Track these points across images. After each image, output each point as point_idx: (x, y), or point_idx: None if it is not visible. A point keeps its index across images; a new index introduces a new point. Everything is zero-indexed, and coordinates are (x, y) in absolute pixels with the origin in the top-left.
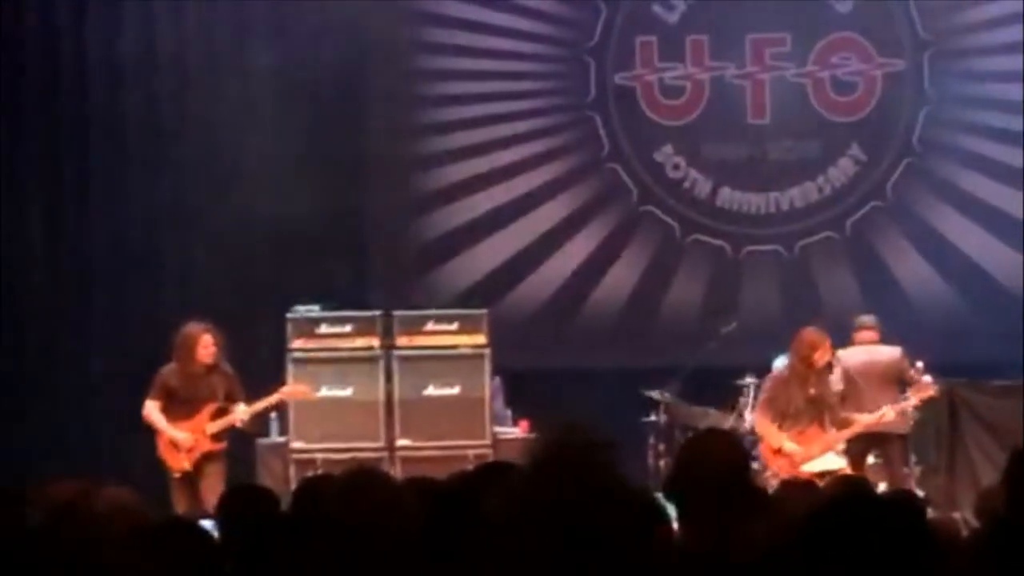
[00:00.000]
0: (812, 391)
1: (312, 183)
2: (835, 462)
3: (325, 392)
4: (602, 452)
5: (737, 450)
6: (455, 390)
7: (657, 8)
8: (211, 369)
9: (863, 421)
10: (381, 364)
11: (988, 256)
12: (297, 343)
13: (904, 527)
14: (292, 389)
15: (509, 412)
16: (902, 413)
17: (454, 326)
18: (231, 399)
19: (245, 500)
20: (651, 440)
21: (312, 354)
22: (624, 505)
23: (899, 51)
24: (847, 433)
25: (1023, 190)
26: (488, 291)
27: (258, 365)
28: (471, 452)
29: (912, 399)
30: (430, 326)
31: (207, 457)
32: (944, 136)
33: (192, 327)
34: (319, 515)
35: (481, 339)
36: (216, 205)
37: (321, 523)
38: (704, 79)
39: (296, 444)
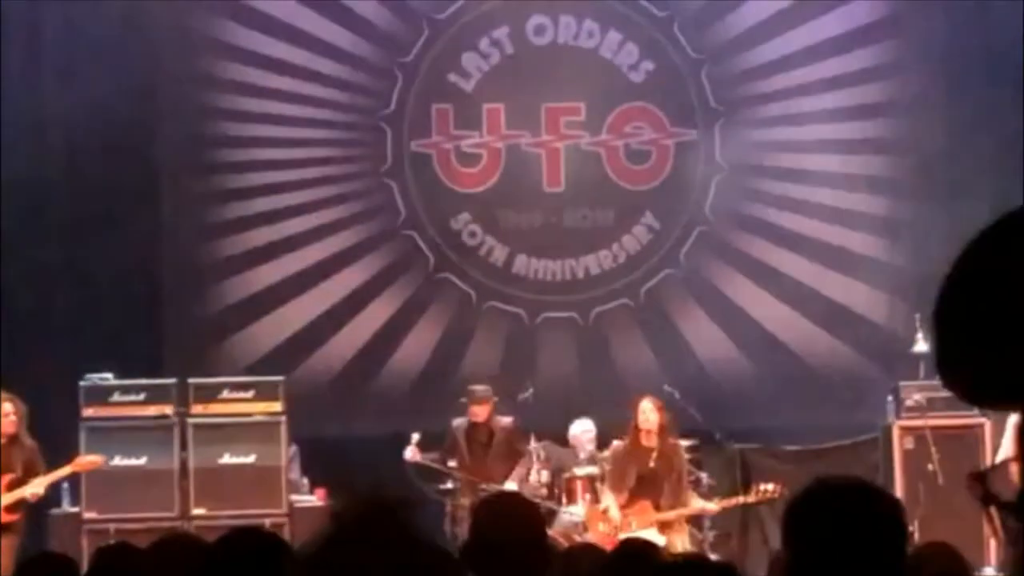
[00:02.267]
0: (651, 464)
1: (107, 248)
2: (655, 538)
3: (118, 461)
4: (405, 511)
5: (530, 511)
6: (251, 458)
7: (453, 76)
8: (11, 440)
9: (693, 509)
10: (176, 432)
11: (777, 322)
12: (89, 411)
13: None
14: (84, 460)
15: (306, 480)
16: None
17: (250, 394)
18: (29, 471)
19: (43, 569)
20: (447, 506)
21: (105, 423)
22: (430, 564)
23: (691, 121)
24: (670, 516)
25: (809, 258)
26: (285, 358)
27: (50, 433)
28: (268, 520)
29: (752, 498)
30: (225, 394)
31: (3, 529)
32: (735, 204)
33: None
34: None
35: (277, 407)
36: (10, 267)
37: None
38: (500, 147)
39: (89, 514)
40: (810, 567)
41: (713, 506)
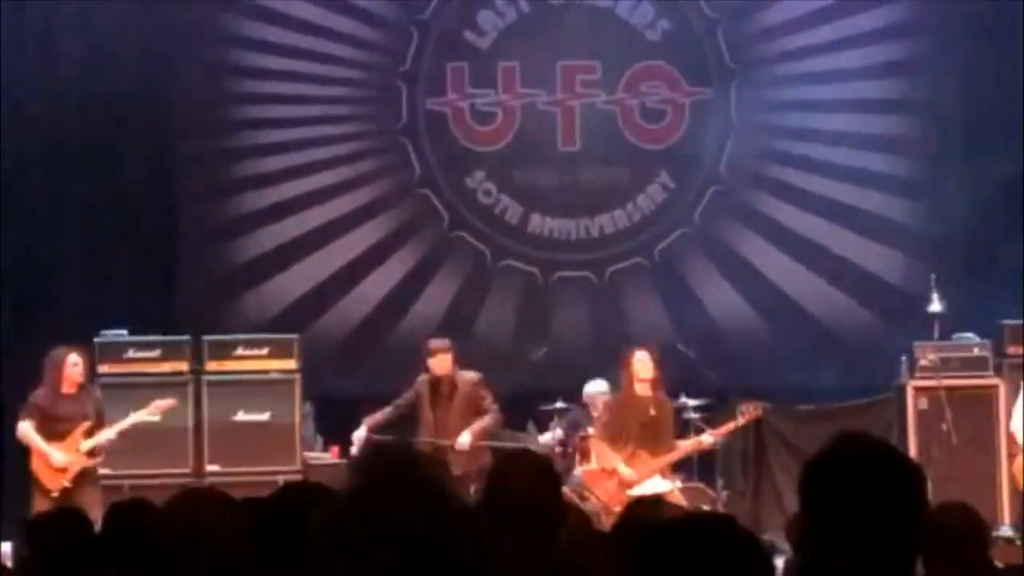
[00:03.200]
0: (652, 413)
1: (121, 206)
2: (662, 485)
3: (133, 418)
4: (432, 466)
5: (544, 468)
6: (265, 416)
7: (469, 34)
8: (81, 389)
9: (683, 448)
10: (190, 389)
11: (792, 282)
12: (104, 367)
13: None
14: (161, 404)
15: (320, 438)
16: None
17: (264, 351)
18: (101, 418)
19: (56, 525)
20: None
21: (120, 379)
22: (457, 519)
23: (707, 80)
24: (671, 457)
25: (824, 217)
26: (299, 316)
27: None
28: (281, 478)
29: (740, 421)
30: (240, 351)
31: (83, 475)
32: (750, 164)
33: (59, 350)
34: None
35: (292, 364)
36: (26, 227)
37: (141, 543)
38: (515, 105)
39: (103, 471)
40: (826, 524)
41: (708, 438)
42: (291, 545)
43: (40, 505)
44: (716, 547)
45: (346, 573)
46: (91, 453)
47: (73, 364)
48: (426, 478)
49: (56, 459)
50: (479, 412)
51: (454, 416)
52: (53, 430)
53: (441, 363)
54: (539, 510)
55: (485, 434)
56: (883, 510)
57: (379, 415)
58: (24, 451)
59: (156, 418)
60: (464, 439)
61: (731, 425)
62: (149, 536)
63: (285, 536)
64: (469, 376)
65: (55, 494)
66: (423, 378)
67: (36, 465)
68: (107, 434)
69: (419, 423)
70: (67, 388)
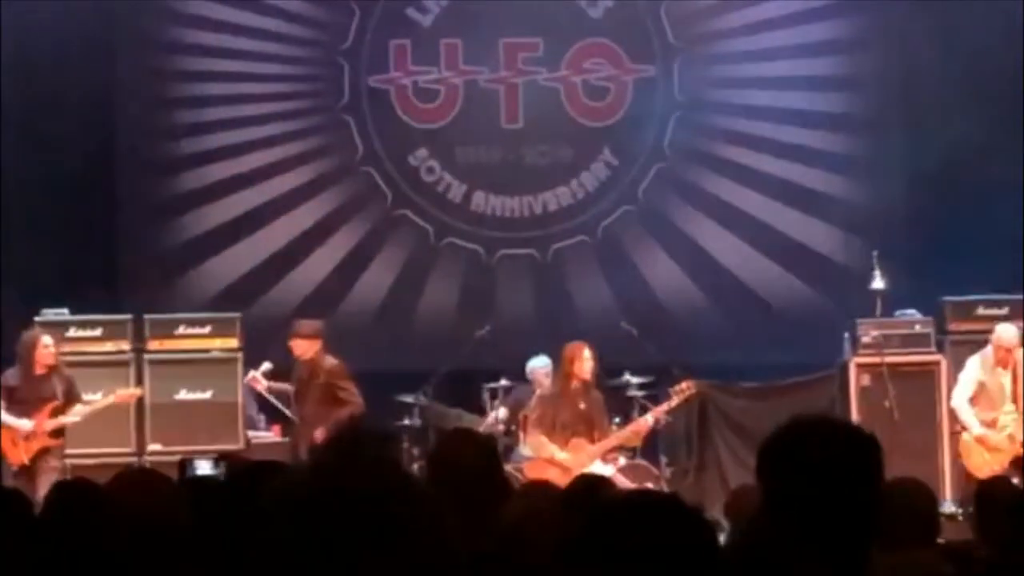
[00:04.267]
0: (582, 406)
1: (61, 184)
2: (604, 470)
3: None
4: (384, 444)
5: (485, 445)
6: (207, 394)
7: (411, 11)
8: (51, 370)
9: (622, 432)
10: (132, 368)
11: (735, 260)
12: None
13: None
14: (124, 392)
15: (263, 416)
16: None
17: (206, 330)
18: (70, 399)
19: None
20: (405, 444)
21: (62, 358)
22: (409, 496)
23: (650, 57)
24: (611, 442)
25: (766, 195)
26: (242, 294)
27: (5, 367)
28: (215, 454)
29: (674, 400)
30: (182, 330)
31: (44, 451)
32: (693, 142)
33: (32, 332)
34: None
35: (234, 343)
36: None
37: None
38: (458, 83)
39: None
40: (786, 503)
41: (647, 419)
42: (237, 523)
43: (8, 478)
44: (661, 525)
45: (299, 546)
46: (54, 433)
47: (44, 346)
48: (380, 456)
49: (22, 428)
50: (337, 402)
51: (311, 403)
52: (21, 410)
53: (299, 346)
54: (481, 487)
55: (341, 425)
56: (841, 487)
57: (261, 389)
58: None
59: (113, 403)
60: (318, 433)
61: (666, 405)
62: (93, 516)
63: (231, 514)
64: (329, 363)
65: (15, 469)
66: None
67: (3, 442)
68: (72, 417)
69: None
70: (39, 369)
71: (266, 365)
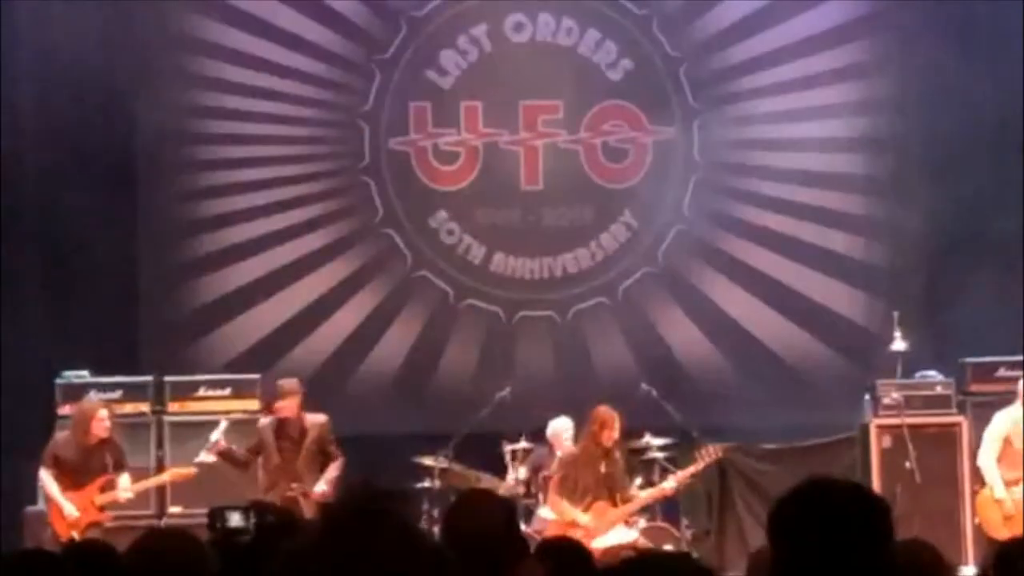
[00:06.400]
0: (603, 469)
1: (82, 246)
2: (627, 535)
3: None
4: (399, 503)
5: (503, 507)
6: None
7: (431, 74)
8: (104, 442)
9: (646, 496)
10: (152, 430)
11: (755, 321)
12: (66, 409)
13: None
14: (178, 472)
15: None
16: (683, 481)
17: (227, 391)
18: (120, 469)
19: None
20: (425, 506)
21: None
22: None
23: (669, 119)
24: (634, 506)
25: (786, 256)
26: (262, 357)
27: (26, 432)
28: (246, 504)
29: (700, 464)
30: (202, 391)
31: (93, 526)
32: (713, 203)
33: (90, 403)
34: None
35: (254, 404)
36: None
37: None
38: (478, 145)
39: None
40: (796, 565)
41: (670, 484)
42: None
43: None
44: None
45: None
46: (103, 508)
47: (99, 420)
48: (396, 516)
49: (68, 511)
50: (327, 456)
51: (304, 461)
52: (72, 481)
53: (289, 405)
54: (498, 549)
55: (339, 482)
56: (852, 551)
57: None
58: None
59: (167, 481)
60: (321, 488)
61: (691, 469)
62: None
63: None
64: (318, 419)
65: (64, 542)
66: (266, 421)
67: (51, 513)
68: (124, 493)
69: (265, 467)
70: (91, 440)
71: (224, 424)
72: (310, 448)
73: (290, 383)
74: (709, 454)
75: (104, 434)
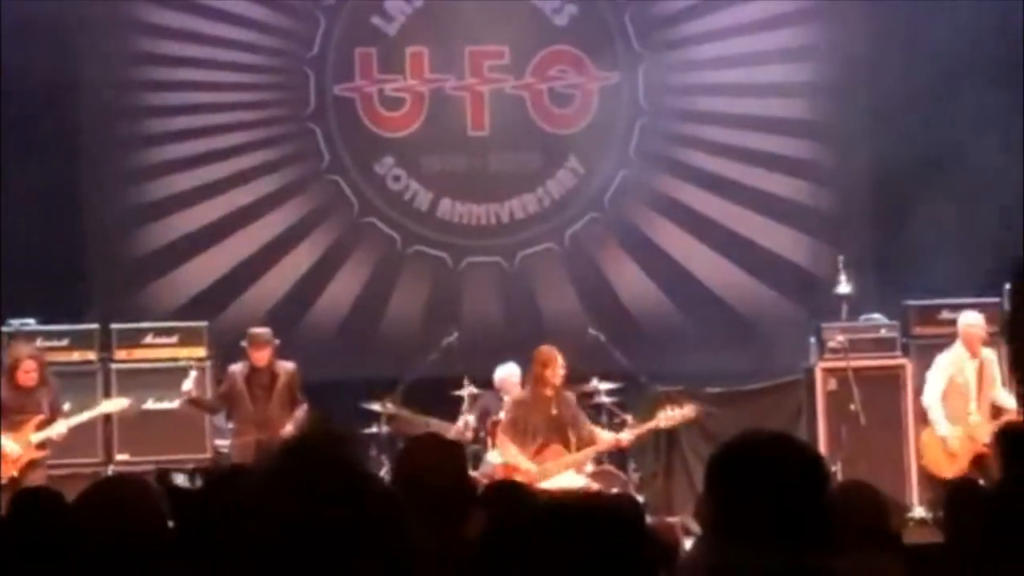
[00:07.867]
0: (554, 411)
1: (28, 195)
2: (574, 480)
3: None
4: (346, 445)
5: (452, 450)
6: (175, 404)
7: (376, 20)
8: (38, 383)
9: (606, 441)
10: (99, 378)
11: (701, 265)
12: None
13: (620, 529)
14: (111, 404)
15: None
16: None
17: (174, 339)
18: (55, 410)
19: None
20: (373, 452)
21: (46, 369)
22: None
23: (614, 64)
24: (588, 454)
25: (732, 201)
26: (209, 304)
27: None
28: (192, 466)
29: (668, 423)
30: (149, 339)
31: (31, 464)
32: (659, 148)
33: (17, 349)
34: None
35: (201, 352)
36: None
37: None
38: (424, 91)
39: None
40: (732, 515)
41: (627, 435)
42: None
43: None
44: (598, 527)
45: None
46: (41, 445)
47: (25, 372)
48: (346, 459)
49: (9, 449)
50: (295, 402)
51: (276, 407)
52: (8, 421)
53: (263, 355)
54: (446, 493)
55: (305, 425)
56: (786, 501)
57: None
58: None
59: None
60: (288, 430)
61: (652, 425)
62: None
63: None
64: (288, 366)
65: (4, 482)
66: (237, 367)
67: None
68: (58, 428)
69: (236, 414)
70: (22, 383)
71: (194, 372)
72: (282, 393)
73: (264, 332)
74: (676, 417)
75: (32, 382)
